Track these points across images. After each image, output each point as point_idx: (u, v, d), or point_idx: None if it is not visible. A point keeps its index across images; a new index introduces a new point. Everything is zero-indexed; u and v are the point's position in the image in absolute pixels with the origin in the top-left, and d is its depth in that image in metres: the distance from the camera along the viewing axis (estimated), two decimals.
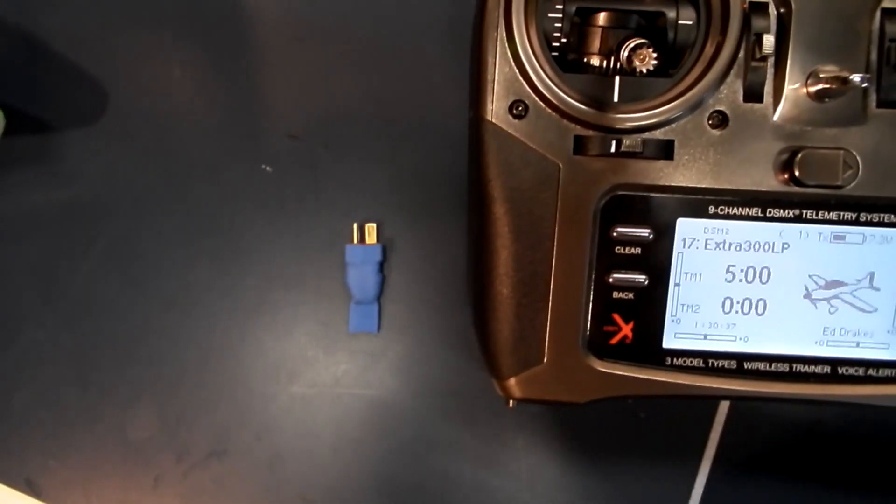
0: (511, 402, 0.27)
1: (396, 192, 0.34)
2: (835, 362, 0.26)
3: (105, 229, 0.35)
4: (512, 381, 0.26)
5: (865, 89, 0.24)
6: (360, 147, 0.34)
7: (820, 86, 0.24)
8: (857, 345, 0.26)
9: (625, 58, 0.24)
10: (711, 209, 0.25)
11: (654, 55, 0.23)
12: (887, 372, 0.26)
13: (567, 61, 0.26)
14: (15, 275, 0.35)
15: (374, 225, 0.34)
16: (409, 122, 0.34)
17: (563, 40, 0.26)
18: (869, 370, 0.26)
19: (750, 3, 0.24)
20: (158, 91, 0.35)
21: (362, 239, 0.34)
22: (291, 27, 0.34)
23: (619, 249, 0.25)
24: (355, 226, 0.34)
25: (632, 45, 0.23)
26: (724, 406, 0.34)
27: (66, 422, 0.34)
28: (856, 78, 0.22)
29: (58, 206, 0.35)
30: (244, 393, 0.35)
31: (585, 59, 0.26)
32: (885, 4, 0.24)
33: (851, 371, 0.26)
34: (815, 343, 0.26)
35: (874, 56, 0.24)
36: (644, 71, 0.23)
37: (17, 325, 0.35)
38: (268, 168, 0.34)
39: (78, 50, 0.35)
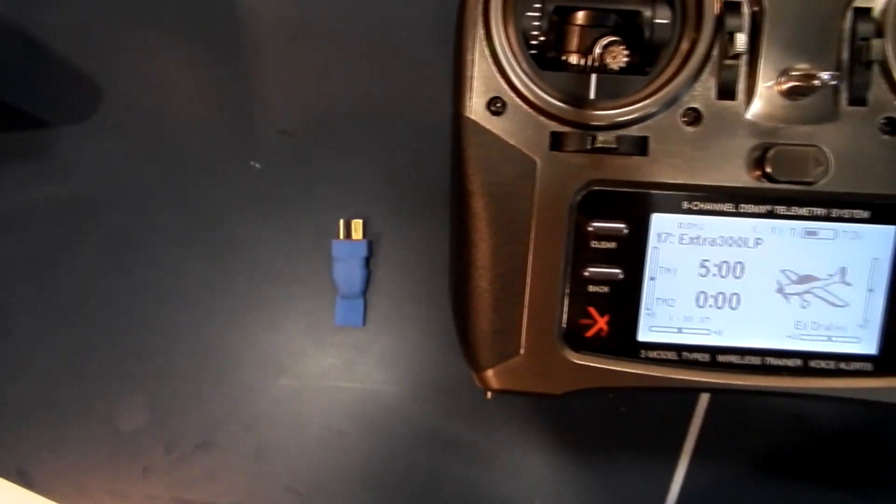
0: (489, 393, 0.27)
1: (385, 188, 0.35)
2: (806, 356, 0.26)
3: (99, 225, 0.35)
4: (489, 373, 0.27)
5: (837, 87, 0.24)
6: (351, 144, 0.35)
7: (792, 84, 0.24)
8: (829, 339, 0.26)
9: (598, 55, 0.24)
10: (685, 205, 0.26)
11: (626, 53, 0.24)
12: (858, 365, 0.26)
13: (546, 59, 0.26)
14: (10, 268, 0.35)
15: (361, 221, 0.34)
16: (399, 121, 0.35)
17: (542, 38, 0.26)
18: (840, 364, 0.26)
19: (724, 2, 0.24)
20: (153, 88, 0.35)
21: (348, 234, 0.34)
22: (285, 26, 0.35)
23: (594, 244, 0.26)
24: (341, 221, 0.34)
25: (604, 42, 0.24)
26: (703, 400, 0.34)
27: (58, 413, 0.35)
28: (825, 76, 0.23)
29: (53, 201, 0.35)
30: (233, 385, 0.35)
31: (564, 57, 0.26)
32: (857, 4, 0.24)
33: (823, 364, 0.26)
34: (788, 337, 0.26)
35: (846, 55, 0.24)
36: (616, 68, 0.24)
37: (12, 318, 0.35)
38: (256, 164, 0.35)
39: (74, 47, 0.35)
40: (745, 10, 0.24)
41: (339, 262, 0.34)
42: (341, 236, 0.34)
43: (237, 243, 0.35)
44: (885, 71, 0.24)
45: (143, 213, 0.35)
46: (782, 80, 0.24)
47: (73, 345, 0.35)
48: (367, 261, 0.35)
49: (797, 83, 0.24)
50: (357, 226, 0.34)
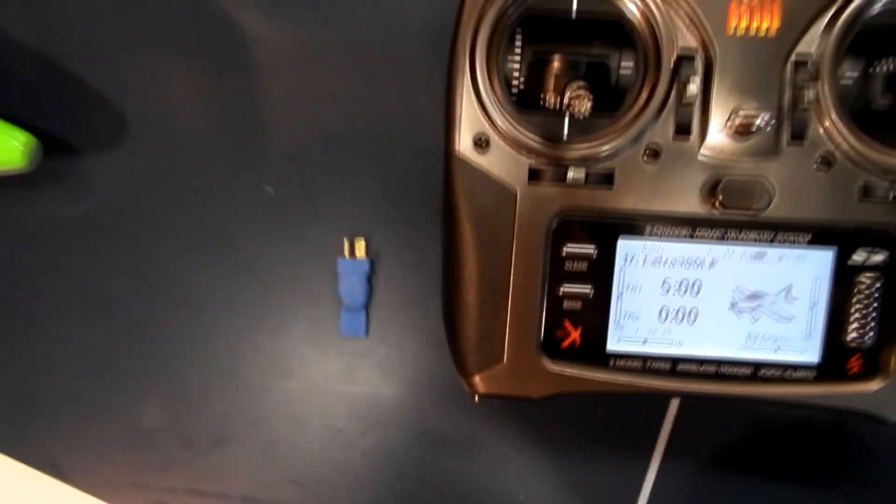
0: (476, 396, 0.31)
1: (384, 208, 0.38)
2: (756, 365, 0.29)
3: (122, 239, 0.39)
4: (476, 378, 0.30)
5: (779, 127, 0.28)
6: (352, 166, 0.38)
7: (738, 125, 0.27)
8: (777, 350, 0.29)
9: (567, 102, 0.27)
10: (648, 230, 0.29)
11: (589, 103, 0.27)
12: (802, 374, 0.29)
13: (526, 97, 0.30)
14: (42, 278, 0.39)
15: (363, 241, 0.38)
16: (399, 146, 0.38)
17: (522, 81, 0.30)
18: (786, 372, 0.29)
19: (679, 55, 0.28)
20: (171, 114, 0.39)
21: (352, 252, 0.38)
22: (292, 56, 0.38)
23: (568, 265, 0.29)
24: (346, 240, 0.38)
25: (572, 92, 0.27)
26: (673, 406, 0.37)
27: (87, 411, 0.38)
28: (761, 121, 0.26)
29: (81, 218, 0.39)
30: (244, 388, 0.39)
31: (543, 95, 0.30)
32: (798, 49, 0.27)
33: (771, 373, 0.29)
34: (740, 348, 0.29)
35: (787, 98, 0.28)
36: (581, 117, 0.27)
37: (44, 323, 0.39)
38: (270, 189, 0.39)
39: (100, 77, 0.39)
40: (698, 59, 0.28)
41: (343, 278, 0.38)
42: (346, 254, 0.38)
43: (250, 258, 0.39)
44: (819, 114, 0.27)
45: (162, 229, 0.39)
46: (731, 121, 0.28)
47: (99, 349, 0.39)
48: (370, 276, 0.38)
49: (742, 124, 0.27)
50: (360, 245, 0.38)
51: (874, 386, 0.29)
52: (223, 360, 0.39)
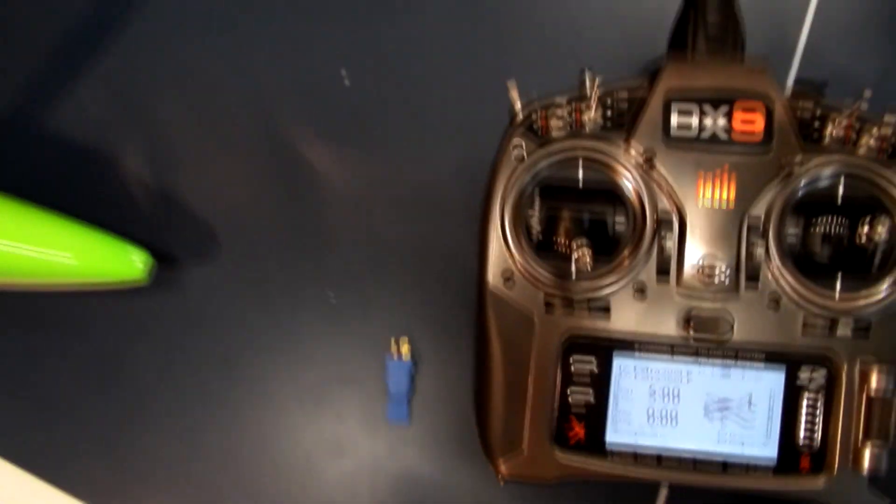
0: (500, 478, 0.38)
1: (425, 316, 0.47)
2: (726, 461, 0.37)
3: (209, 336, 0.48)
4: (501, 463, 0.38)
5: (737, 273, 0.36)
6: (400, 280, 0.47)
7: (704, 273, 0.36)
8: (742, 447, 0.37)
9: (574, 257, 0.36)
10: (637, 349, 0.37)
11: (591, 260, 0.35)
12: (762, 468, 0.36)
13: (543, 242, 0.38)
14: (145, 367, 0.48)
15: (408, 344, 0.46)
16: (438, 266, 0.47)
17: (540, 230, 0.38)
18: (750, 466, 0.36)
19: (660, 217, 0.36)
20: (253, 233, 0.48)
21: (399, 352, 0.46)
22: (353, 190, 0.48)
23: (574, 375, 0.37)
24: (393, 342, 0.46)
25: (577, 249, 0.35)
26: (664, 489, 0.44)
27: (175, 477, 0.46)
28: (718, 271, 0.35)
29: (178, 317, 0.48)
30: (303, 464, 0.46)
31: (556, 239, 0.38)
32: (748, 222, 0.36)
33: (738, 468, 0.36)
34: (712, 445, 0.37)
35: (743, 252, 0.36)
36: (586, 269, 0.36)
37: (145, 404, 0.47)
38: (332, 296, 0.47)
39: (197, 203, 0.49)
40: (674, 221, 0.36)
41: (391, 374, 0.46)
42: (393, 354, 0.46)
43: (313, 354, 0.47)
44: (769, 264, 0.36)
45: (243, 329, 0.48)
46: (699, 269, 0.36)
47: (188, 426, 0.47)
48: (412, 373, 0.46)
49: (706, 273, 0.35)
50: (405, 346, 0.46)
51: (821, 481, 0.36)
52: (288, 439, 0.46)
